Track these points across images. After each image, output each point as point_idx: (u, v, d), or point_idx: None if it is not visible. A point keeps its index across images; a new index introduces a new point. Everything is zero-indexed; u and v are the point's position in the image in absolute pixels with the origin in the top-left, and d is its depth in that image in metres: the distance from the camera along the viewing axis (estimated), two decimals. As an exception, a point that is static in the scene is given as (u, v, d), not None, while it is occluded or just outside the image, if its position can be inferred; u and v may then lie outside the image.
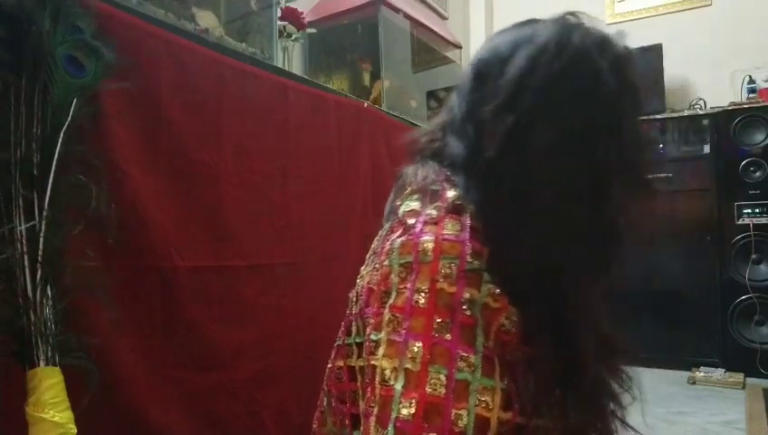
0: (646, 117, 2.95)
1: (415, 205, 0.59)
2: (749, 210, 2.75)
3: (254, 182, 1.35)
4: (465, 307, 0.51)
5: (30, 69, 0.79)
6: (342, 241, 1.67)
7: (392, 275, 0.54)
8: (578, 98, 0.55)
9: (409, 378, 0.50)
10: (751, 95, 2.98)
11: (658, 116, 3.00)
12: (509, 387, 0.52)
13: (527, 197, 0.55)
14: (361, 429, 0.54)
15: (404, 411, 0.49)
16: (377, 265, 0.57)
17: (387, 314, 0.53)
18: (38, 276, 0.77)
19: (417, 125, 1.99)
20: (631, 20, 3.49)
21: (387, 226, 0.62)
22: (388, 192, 0.68)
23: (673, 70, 3.12)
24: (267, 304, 1.37)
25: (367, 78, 2.33)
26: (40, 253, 0.77)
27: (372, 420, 0.51)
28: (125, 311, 1.02)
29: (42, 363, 0.76)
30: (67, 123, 0.82)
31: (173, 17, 1.25)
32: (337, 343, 0.67)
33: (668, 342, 2.86)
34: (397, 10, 2.42)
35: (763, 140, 2.75)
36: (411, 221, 0.57)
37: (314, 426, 0.72)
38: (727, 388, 2.54)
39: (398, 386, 0.50)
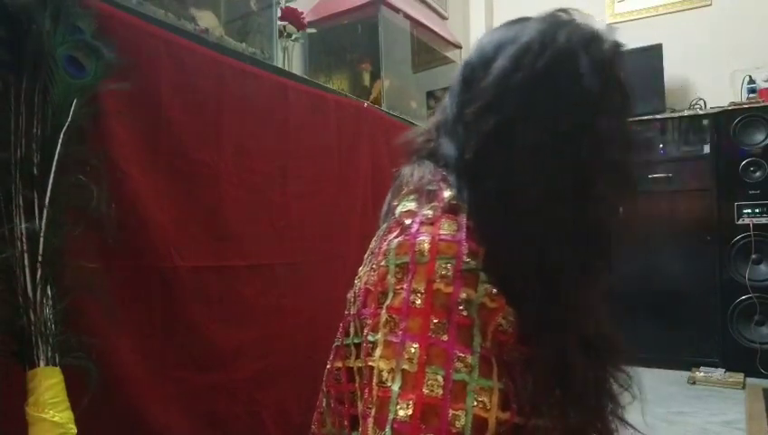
0: (646, 117, 2.96)
1: (411, 205, 0.59)
2: (749, 210, 2.75)
3: (254, 182, 1.35)
4: (461, 308, 0.51)
5: (30, 69, 0.79)
6: (342, 241, 1.67)
7: (389, 276, 0.54)
8: (561, 97, 0.55)
9: (406, 379, 0.50)
10: (751, 95, 2.97)
11: (658, 116, 2.99)
12: (507, 387, 0.52)
13: (512, 196, 0.55)
14: (360, 430, 0.54)
15: (401, 413, 0.49)
16: (374, 266, 0.57)
17: (384, 315, 0.53)
18: (38, 276, 0.77)
19: (416, 125, 1.99)
20: (631, 20, 3.49)
21: (384, 226, 0.62)
22: (388, 192, 0.68)
23: (673, 70, 3.12)
24: (267, 304, 1.37)
25: (367, 78, 2.33)
26: (40, 253, 0.77)
27: (370, 421, 0.51)
28: (125, 311, 1.02)
29: (42, 363, 0.75)
30: (67, 123, 0.82)
31: (173, 17, 1.24)
32: (335, 343, 0.67)
33: (668, 342, 2.86)
34: (397, 10, 2.41)
35: (763, 140, 2.75)
36: (408, 221, 0.57)
37: (313, 427, 0.72)
38: (727, 388, 2.53)
39: (396, 387, 0.50)
